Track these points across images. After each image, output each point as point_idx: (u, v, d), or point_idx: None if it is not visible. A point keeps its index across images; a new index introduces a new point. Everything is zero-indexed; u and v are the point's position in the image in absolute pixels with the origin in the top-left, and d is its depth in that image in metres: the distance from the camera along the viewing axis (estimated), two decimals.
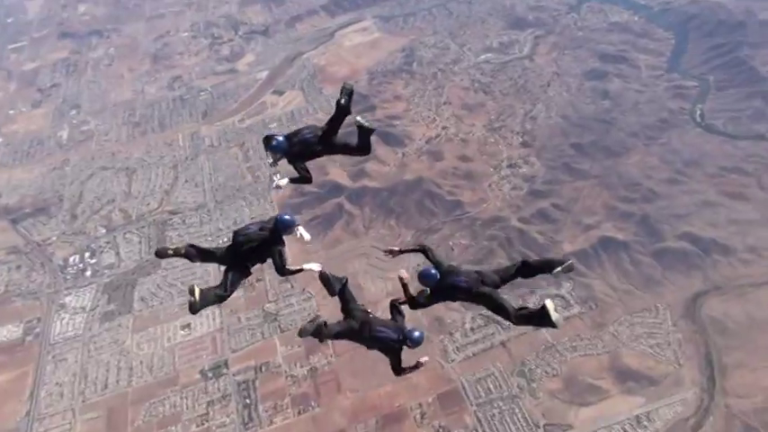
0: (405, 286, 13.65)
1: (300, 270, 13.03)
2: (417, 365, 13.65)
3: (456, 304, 57.69)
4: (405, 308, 13.88)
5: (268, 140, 13.35)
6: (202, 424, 54.07)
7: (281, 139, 13.02)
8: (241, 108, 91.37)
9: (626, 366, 52.69)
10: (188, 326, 62.39)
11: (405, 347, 12.75)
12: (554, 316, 11.77)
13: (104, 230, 75.04)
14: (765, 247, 59.43)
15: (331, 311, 56.86)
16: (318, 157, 13.60)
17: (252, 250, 12.64)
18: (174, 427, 53.96)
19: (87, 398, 57.32)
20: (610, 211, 65.48)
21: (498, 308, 12.43)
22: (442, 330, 57.72)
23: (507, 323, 13.17)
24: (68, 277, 69.91)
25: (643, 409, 50.11)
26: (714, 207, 63.88)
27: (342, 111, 13.49)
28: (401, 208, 70.23)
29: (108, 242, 73.48)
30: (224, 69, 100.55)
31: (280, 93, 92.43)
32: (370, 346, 12.88)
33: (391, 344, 12.47)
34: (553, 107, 79.54)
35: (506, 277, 12.95)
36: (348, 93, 13.47)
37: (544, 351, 54.78)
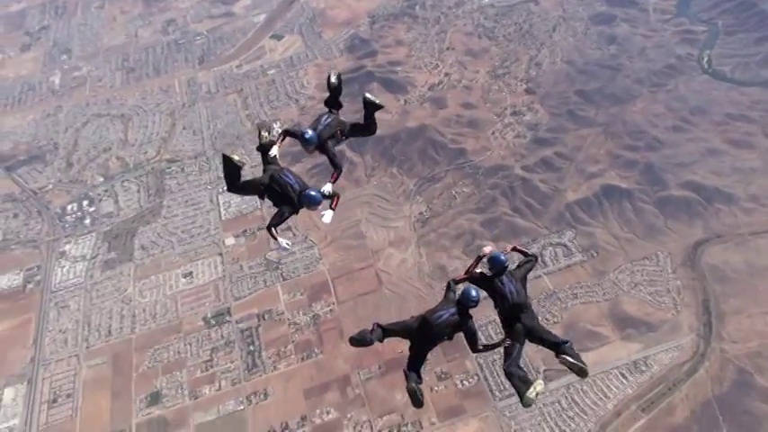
0: (477, 261, 13.18)
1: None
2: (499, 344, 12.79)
3: (458, 252, 58.36)
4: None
5: (296, 136, 13.65)
6: (207, 370, 54.72)
7: (311, 133, 13.41)
8: (239, 53, 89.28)
9: (625, 313, 53.22)
10: (190, 274, 62.48)
11: (469, 311, 12.21)
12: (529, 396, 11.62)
13: (102, 179, 74.31)
14: (767, 196, 59.31)
15: (332, 261, 57.11)
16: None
17: (275, 193, 13.32)
18: (179, 373, 54.62)
19: (92, 344, 57.82)
20: (613, 159, 65.02)
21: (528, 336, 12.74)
22: (444, 278, 57.84)
23: None
24: (67, 225, 69.56)
25: (641, 354, 50.86)
26: (718, 155, 63.49)
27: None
28: (403, 156, 69.55)
29: (106, 190, 72.85)
30: (220, 12, 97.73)
31: (278, 37, 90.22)
32: (439, 339, 12.38)
33: (453, 319, 11.95)
34: (558, 53, 78.08)
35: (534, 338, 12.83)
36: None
37: (545, 299, 55.15)
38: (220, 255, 63.91)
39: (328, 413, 50.33)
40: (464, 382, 51.07)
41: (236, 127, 78.43)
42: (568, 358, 11.61)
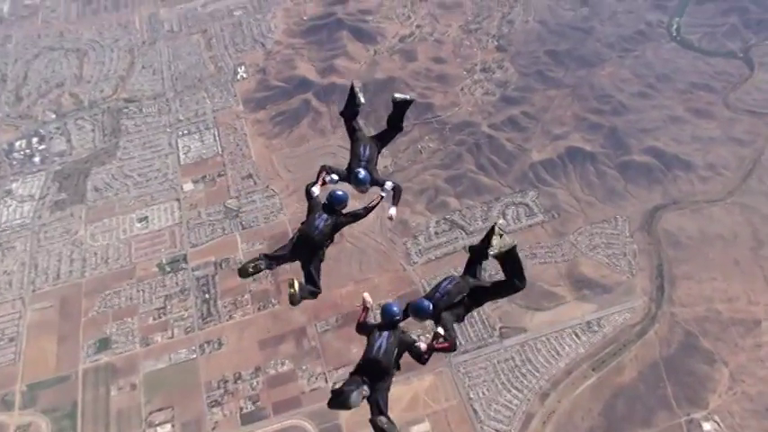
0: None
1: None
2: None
3: (421, 207, 58.03)
4: None
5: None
6: (160, 317, 53.63)
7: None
8: None
9: (582, 274, 53.91)
10: (145, 218, 60.71)
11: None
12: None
13: (54, 115, 71.05)
14: (724, 165, 60.36)
15: (294, 211, 56.10)
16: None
17: (326, 239, 12.51)
18: (130, 319, 53.40)
19: (38, 287, 56.02)
20: (579, 121, 64.97)
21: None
22: (405, 233, 57.62)
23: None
24: (14, 163, 66.60)
25: (594, 315, 51.75)
26: (680, 123, 64.03)
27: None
28: (370, 107, 67.51)
29: (58, 128, 69.76)
30: None
31: None
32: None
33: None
34: (531, 11, 76.97)
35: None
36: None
37: None
38: (178, 200, 62.15)
39: (283, 364, 50.03)
40: (422, 336, 51.17)
41: (199, 69, 75.64)
42: None
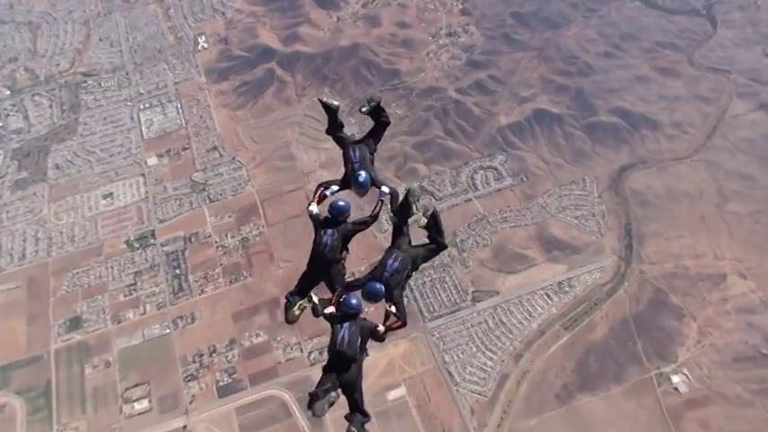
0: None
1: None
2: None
3: (390, 174, 57.80)
4: None
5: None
6: (130, 294, 52.89)
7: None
8: None
9: (552, 236, 54.48)
10: (110, 195, 59.40)
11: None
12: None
13: (8, 92, 68.63)
14: (689, 123, 61.17)
15: (261, 183, 55.38)
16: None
17: (337, 252, 11.99)
18: (100, 297, 52.58)
19: (3, 268, 54.68)
20: (546, 83, 64.98)
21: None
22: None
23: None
24: None
25: (565, 275, 52.48)
26: (646, 82, 64.47)
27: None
28: (336, 75, 67.19)
29: (14, 105, 67.45)
30: None
31: None
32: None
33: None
34: None
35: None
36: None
37: (475, 222, 55.68)
38: (143, 175, 60.86)
39: (257, 336, 49.89)
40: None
41: (159, 40, 73.53)
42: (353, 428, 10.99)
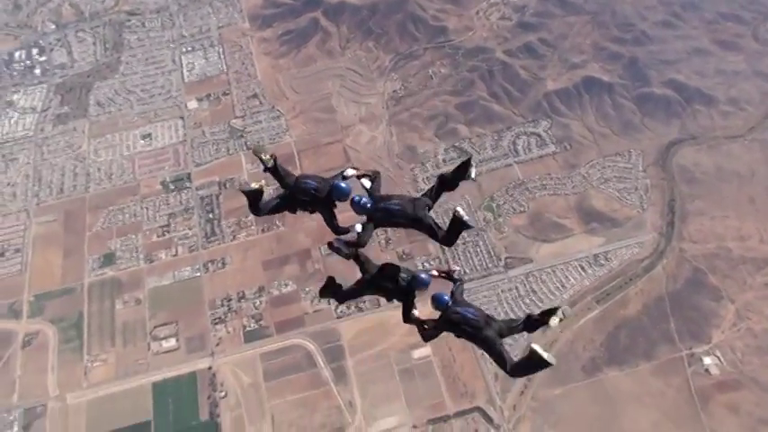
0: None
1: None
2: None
3: (430, 134, 56.68)
4: None
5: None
6: (163, 235, 53.31)
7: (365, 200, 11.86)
8: None
9: (592, 207, 53.04)
10: (149, 136, 59.50)
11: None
12: (545, 356, 10.79)
13: (54, 26, 68.65)
14: (747, 100, 58.49)
15: (299, 133, 54.89)
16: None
17: (304, 202, 12.22)
18: (134, 236, 53.12)
19: (42, 200, 55.49)
20: (598, 51, 62.50)
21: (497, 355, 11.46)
22: (413, 159, 56.45)
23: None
24: (15, 74, 64.79)
25: (602, 248, 51.19)
26: (705, 55, 61.61)
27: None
28: (381, 29, 65.59)
29: (58, 39, 67.52)
30: None
31: None
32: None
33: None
34: None
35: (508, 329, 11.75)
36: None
37: (514, 188, 54.46)
38: (182, 118, 60.73)
39: (286, 285, 49.95)
40: (425, 264, 50.78)
41: None
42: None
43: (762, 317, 46.42)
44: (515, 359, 11.44)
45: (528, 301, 48.73)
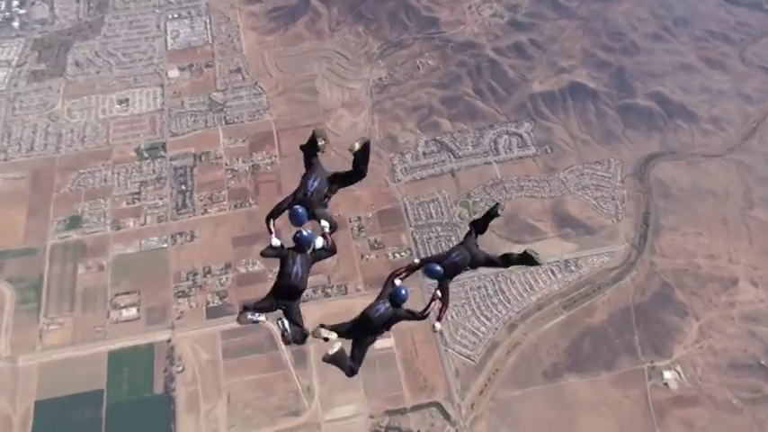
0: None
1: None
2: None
3: (412, 125, 56.22)
4: None
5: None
6: (133, 202, 52.18)
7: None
8: None
9: (567, 213, 53.10)
10: (126, 101, 58.14)
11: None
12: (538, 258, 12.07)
13: None
14: (728, 121, 58.96)
15: (281, 113, 53.77)
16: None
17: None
18: (103, 200, 51.90)
19: (10, 156, 53.99)
20: (587, 57, 62.54)
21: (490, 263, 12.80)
22: (393, 149, 55.96)
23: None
24: None
25: (574, 254, 51.28)
26: (691, 72, 61.99)
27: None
28: (372, 15, 64.86)
29: None
30: None
31: None
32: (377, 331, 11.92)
33: (388, 312, 11.58)
34: None
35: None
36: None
37: (491, 186, 54.30)
38: (161, 86, 59.43)
39: (254, 264, 49.14)
40: (396, 254, 50.42)
41: None
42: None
43: (723, 336, 46.88)
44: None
45: (495, 300, 48.68)
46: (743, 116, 58.91)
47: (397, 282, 11.98)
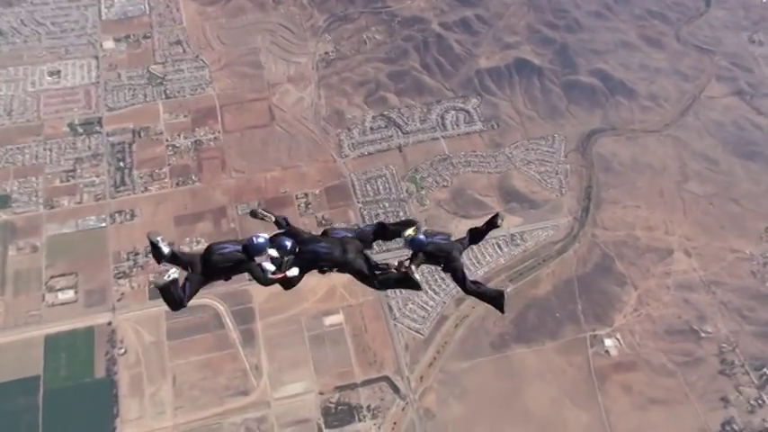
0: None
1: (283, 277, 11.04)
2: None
3: (359, 100, 55.52)
4: None
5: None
6: (68, 180, 49.80)
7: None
8: None
9: (513, 188, 53.74)
10: (57, 73, 55.18)
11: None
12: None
13: None
14: (665, 98, 60.65)
15: (224, 87, 52.06)
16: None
17: (227, 269, 11.05)
18: (34, 179, 49.33)
19: None
20: (532, 33, 63.07)
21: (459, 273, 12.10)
22: (340, 124, 55.21)
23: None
24: None
25: (519, 228, 52.03)
26: (631, 49, 63.38)
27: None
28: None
29: None
30: None
31: None
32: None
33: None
34: None
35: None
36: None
37: (439, 162, 54.35)
38: (96, 58, 56.65)
39: (198, 243, 47.69)
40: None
41: None
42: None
43: (660, 304, 48.68)
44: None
45: (444, 274, 48.68)
46: (679, 92, 60.76)
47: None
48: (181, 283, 10.61)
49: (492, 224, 12.75)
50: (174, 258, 10.99)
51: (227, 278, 11.28)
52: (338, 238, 11.41)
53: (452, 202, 52.59)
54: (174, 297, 10.53)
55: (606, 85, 59.99)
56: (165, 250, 10.89)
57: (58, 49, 56.48)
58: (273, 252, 10.95)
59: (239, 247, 10.86)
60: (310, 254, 11.10)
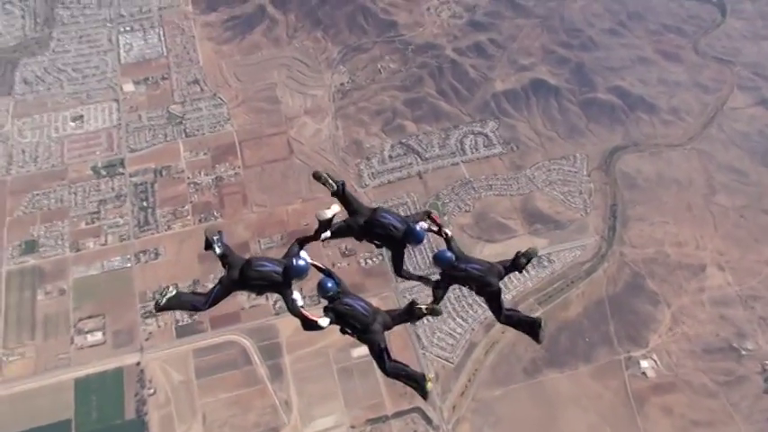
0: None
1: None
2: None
3: (377, 129, 55.59)
4: None
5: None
6: (93, 222, 50.26)
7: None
8: None
9: (536, 209, 53.10)
10: (80, 118, 56.13)
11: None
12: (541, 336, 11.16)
13: None
14: (687, 110, 59.87)
15: (242, 123, 52.59)
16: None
17: (260, 287, 10.99)
18: (60, 222, 49.86)
19: None
20: (547, 54, 62.88)
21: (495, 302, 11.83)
22: (359, 154, 55.24)
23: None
24: None
25: (546, 250, 51.13)
26: (648, 64, 62.81)
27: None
28: (330, 20, 64.10)
29: None
30: None
31: None
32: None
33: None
34: None
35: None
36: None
37: (459, 186, 53.98)
38: (116, 101, 57.58)
39: None
40: (368, 261, 49.69)
41: None
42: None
43: (695, 321, 47.38)
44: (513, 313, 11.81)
45: (471, 300, 48.10)
46: (701, 105, 59.94)
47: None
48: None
49: (517, 266, 11.81)
50: (223, 257, 11.25)
51: (260, 293, 11.30)
52: (372, 308, 11.12)
53: (476, 227, 52.06)
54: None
55: (625, 101, 59.42)
56: (218, 251, 11.24)
57: (79, 95, 57.53)
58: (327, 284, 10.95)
59: (278, 268, 10.65)
60: (347, 307, 10.91)
